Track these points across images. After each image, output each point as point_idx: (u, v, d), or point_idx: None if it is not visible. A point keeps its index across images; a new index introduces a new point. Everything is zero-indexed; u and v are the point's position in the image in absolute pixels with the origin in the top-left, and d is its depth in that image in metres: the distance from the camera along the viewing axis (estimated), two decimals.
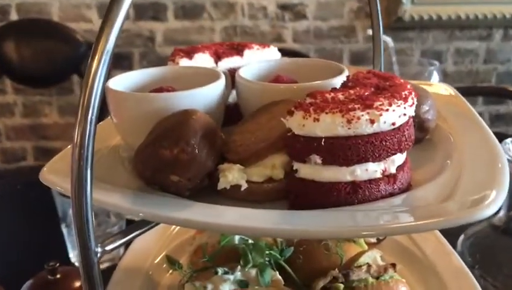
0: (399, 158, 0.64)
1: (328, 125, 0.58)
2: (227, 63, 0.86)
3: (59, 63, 2.49)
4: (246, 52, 0.87)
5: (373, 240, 0.94)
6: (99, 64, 0.51)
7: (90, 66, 0.51)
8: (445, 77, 3.03)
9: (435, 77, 1.62)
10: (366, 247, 0.90)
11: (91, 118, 0.51)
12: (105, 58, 0.51)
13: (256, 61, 0.85)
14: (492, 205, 0.53)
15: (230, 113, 0.81)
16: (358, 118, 0.58)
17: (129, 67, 2.97)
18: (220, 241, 0.86)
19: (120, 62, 2.91)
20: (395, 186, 0.63)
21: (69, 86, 2.85)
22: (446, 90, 0.93)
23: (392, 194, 0.62)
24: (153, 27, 2.88)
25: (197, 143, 0.61)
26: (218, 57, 0.86)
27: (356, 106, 0.59)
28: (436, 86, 0.95)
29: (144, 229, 0.63)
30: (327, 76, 0.76)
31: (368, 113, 0.58)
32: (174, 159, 0.60)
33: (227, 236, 0.86)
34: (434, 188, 0.62)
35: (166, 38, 2.91)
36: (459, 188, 0.61)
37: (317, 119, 0.58)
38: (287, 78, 0.78)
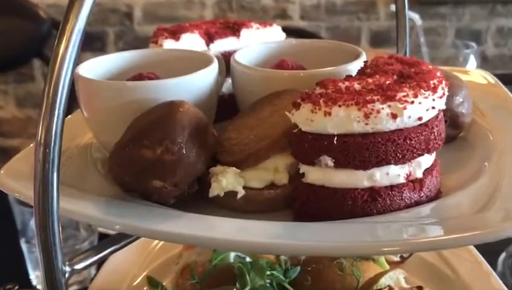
0: (426, 160, 0.64)
1: (341, 120, 0.59)
2: (221, 45, 0.87)
3: (17, 45, 2.49)
4: (244, 32, 0.88)
5: (396, 258, 0.94)
6: (68, 46, 0.52)
7: (57, 48, 0.52)
8: (484, 62, 3.04)
9: (472, 62, 1.63)
10: (387, 266, 0.91)
11: (58, 112, 0.52)
12: (76, 39, 0.52)
13: (255, 44, 0.86)
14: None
15: (224, 106, 0.81)
16: (378, 112, 0.59)
17: (102, 50, 2.97)
18: (211, 260, 0.87)
19: (91, 44, 2.91)
20: (422, 194, 0.63)
21: (29, 72, 2.85)
22: (485, 78, 0.94)
23: (418, 203, 0.63)
24: (131, 1, 2.88)
25: (184, 141, 0.61)
26: (209, 38, 0.86)
27: (375, 98, 0.59)
28: (473, 74, 0.95)
29: (120, 245, 0.64)
30: (341, 61, 0.77)
31: (389, 106, 0.59)
32: (157, 160, 0.60)
33: (221, 253, 0.87)
34: (469, 196, 0.63)
35: (146, 14, 2.92)
36: (498, 195, 0.62)
37: (329, 113, 0.59)
38: (293, 64, 0.79)
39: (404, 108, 0.59)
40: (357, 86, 0.63)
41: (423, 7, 2.97)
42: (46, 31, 2.50)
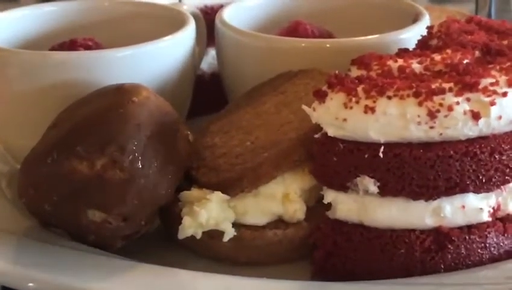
0: None
1: (392, 120, 0.57)
2: None
3: None
4: None
5: None
6: None
7: None
8: None
9: None
10: None
11: None
12: None
13: None
14: None
15: (204, 92, 0.82)
16: (450, 109, 0.57)
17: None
18: None
19: None
20: None
21: None
22: None
23: (509, 255, 0.62)
24: None
25: (140, 150, 0.59)
26: None
27: (447, 86, 0.57)
28: None
29: None
30: (390, 26, 0.76)
31: (467, 99, 0.57)
32: (96, 179, 0.59)
33: None
34: None
35: None
36: None
37: (372, 109, 0.57)
38: (314, 29, 0.78)
39: (492, 103, 0.57)
40: (416, 67, 0.62)
41: None
42: None
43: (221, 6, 0.83)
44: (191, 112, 0.78)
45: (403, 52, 0.64)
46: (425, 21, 0.75)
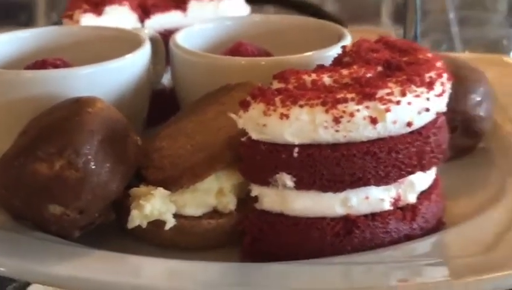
0: (421, 180, 0.66)
1: (303, 125, 0.60)
2: (161, 21, 0.89)
3: None
4: (192, 4, 0.91)
5: None
6: None
7: None
8: None
9: None
10: None
11: None
12: None
13: (202, 21, 0.88)
14: None
15: (164, 104, 0.83)
16: (352, 115, 0.60)
17: (29, 24, 2.98)
18: None
19: (16, 15, 2.92)
20: (415, 225, 0.65)
21: None
22: None
23: (409, 238, 0.65)
24: None
25: (93, 153, 0.63)
26: (144, 13, 0.89)
27: (349, 96, 0.61)
28: (501, 63, 0.97)
29: None
30: (318, 44, 0.79)
31: (367, 107, 0.60)
32: (56, 178, 0.62)
33: None
34: (477, 229, 0.65)
35: None
36: (505, 234, 0.64)
37: (287, 116, 0.60)
38: (254, 49, 0.81)
39: (387, 110, 0.61)
40: (327, 80, 0.64)
41: None
42: None
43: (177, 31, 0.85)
44: (153, 121, 0.80)
45: (319, 68, 0.67)
46: (346, 41, 0.78)
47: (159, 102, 0.84)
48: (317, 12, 2.64)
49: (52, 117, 0.66)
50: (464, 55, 1.29)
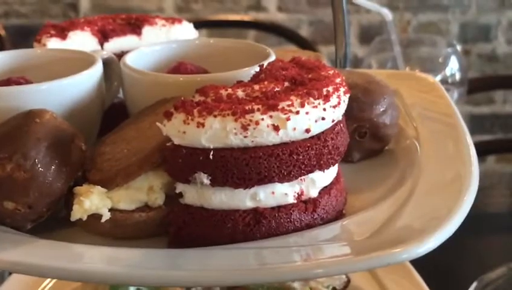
0: (321, 178, 0.67)
1: (216, 132, 0.61)
2: (118, 44, 0.91)
3: None
4: (146, 29, 0.92)
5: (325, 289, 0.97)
6: None
7: None
8: (494, 62, 3.07)
9: (453, 63, 1.66)
10: None
11: None
12: None
13: (152, 44, 0.89)
14: (416, 247, 0.57)
15: (119, 115, 0.83)
16: (257, 123, 0.61)
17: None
18: None
19: (28, 38, 2.94)
20: (315, 216, 0.67)
21: None
22: (427, 83, 0.97)
23: (310, 226, 0.66)
24: None
25: (40, 157, 0.64)
26: (104, 37, 0.90)
27: (256, 107, 0.62)
28: (414, 77, 0.99)
29: None
30: (249, 62, 0.80)
31: (270, 116, 0.62)
32: (7, 178, 0.63)
33: (119, 286, 0.89)
34: (371, 217, 0.67)
35: (95, 4, 2.93)
36: (398, 218, 0.65)
37: (202, 125, 0.61)
38: (192, 67, 0.82)
39: (288, 119, 0.62)
40: (240, 94, 0.66)
41: None
42: None
43: None
44: (108, 130, 0.79)
45: (237, 84, 0.68)
46: (267, 61, 0.78)
47: (116, 113, 0.84)
48: (292, 36, 2.67)
49: (7, 126, 0.67)
50: (388, 72, 1.30)
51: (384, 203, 0.69)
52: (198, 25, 3.02)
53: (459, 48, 1.72)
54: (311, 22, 3.03)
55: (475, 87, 2.04)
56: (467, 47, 2.99)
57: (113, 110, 0.85)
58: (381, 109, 0.81)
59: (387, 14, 1.59)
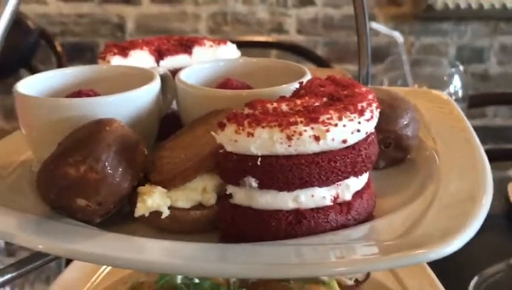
0: (355, 183, 0.66)
1: (264, 141, 0.61)
2: (172, 62, 0.90)
3: (4, 55, 2.54)
4: (196, 49, 0.91)
5: (350, 281, 0.96)
6: None
7: None
8: (486, 81, 3.05)
9: (456, 81, 1.66)
10: None
11: None
12: None
13: (202, 62, 0.89)
14: (441, 249, 0.56)
15: (172, 124, 0.83)
16: (300, 134, 0.61)
17: (92, 61, 3.02)
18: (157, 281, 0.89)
19: (82, 54, 2.97)
20: (349, 217, 0.66)
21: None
22: (441, 99, 0.96)
23: (345, 226, 0.65)
24: (123, 12, 2.93)
25: (109, 160, 0.64)
26: (160, 55, 0.89)
27: (299, 119, 0.61)
28: (429, 95, 0.98)
29: (40, 263, 0.66)
30: (287, 81, 0.79)
31: (312, 128, 0.61)
32: (81, 179, 0.63)
33: (166, 275, 0.89)
34: (396, 221, 0.66)
35: (139, 26, 2.96)
36: (423, 221, 0.64)
37: (252, 134, 0.61)
38: (238, 83, 0.82)
39: (327, 130, 0.61)
40: (284, 108, 0.65)
41: (425, 23, 3.01)
42: (34, 42, 2.55)
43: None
44: (165, 135, 0.79)
45: (281, 98, 0.68)
46: (305, 79, 0.77)
47: (170, 121, 0.84)
48: (310, 55, 2.67)
49: (80, 133, 0.67)
50: (406, 89, 1.29)
51: (410, 207, 0.68)
52: None
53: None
54: (326, 43, 3.04)
55: (471, 103, 2.03)
56: (463, 67, 2.98)
57: (167, 119, 0.85)
58: (405, 122, 0.80)
59: (399, 37, 1.58)
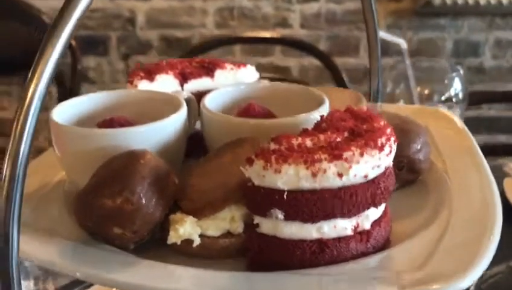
0: (374, 213, 0.67)
1: (290, 177, 0.62)
2: (195, 85, 0.90)
3: (20, 48, 2.53)
4: (218, 72, 0.91)
5: None
6: (37, 88, 0.54)
7: (27, 86, 0.54)
8: (481, 74, 3.04)
9: (457, 84, 1.66)
10: None
11: (22, 158, 0.54)
12: (43, 85, 0.54)
13: (225, 87, 0.89)
14: (459, 282, 0.57)
15: (197, 143, 0.85)
16: (325, 171, 0.62)
17: (104, 54, 3.01)
18: None
19: (94, 48, 2.96)
20: (369, 245, 0.66)
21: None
22: (450, 120, 0.96)
23: (364, 254, 0.66)
24: (134, 6, 2.92)
25: (143, 192, 0.64)
26: (184, 78, 0.90)
27: (323, 157, 0.62)
28: (438, 115, 0.98)
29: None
30: (306, 106, 0.80)
31: (335, 165, 0.62)
32: (117, 210, 0.64)
33: None
34: (412, 248, 0.66)
35: (149, 20, 2.95)
36: (439, 249, 0.65)
37: (279, 171, 0.62)
38: (260, 108, 0.82)
39: (350, 167, 0.62)
40: (308, 143, 0.66)
41: (423, 18, 2.99)
42: None
43: (207, 91, 0.87)
44: (190, 154, 0.82)
45: (303, 132, 0.68)
46: (325, 107, 0.78)
47: (194, 141, 0.84)
48: (312, 49, 2.66)
49: (115, 164, 0.68)
50: (414, 108, 1.29)
51: (424, 235, 0.68)
52: (234, 40, 3.02)
53: (453, 61, 1.71)
54: (329, 37, 3.03)
55: (470, 102, 2.03)
56: (459, 60, 2.98)
57: (192, 138, 0.85)
58: (417, 147, 0.80)
59: (403, 43, 1.59)
